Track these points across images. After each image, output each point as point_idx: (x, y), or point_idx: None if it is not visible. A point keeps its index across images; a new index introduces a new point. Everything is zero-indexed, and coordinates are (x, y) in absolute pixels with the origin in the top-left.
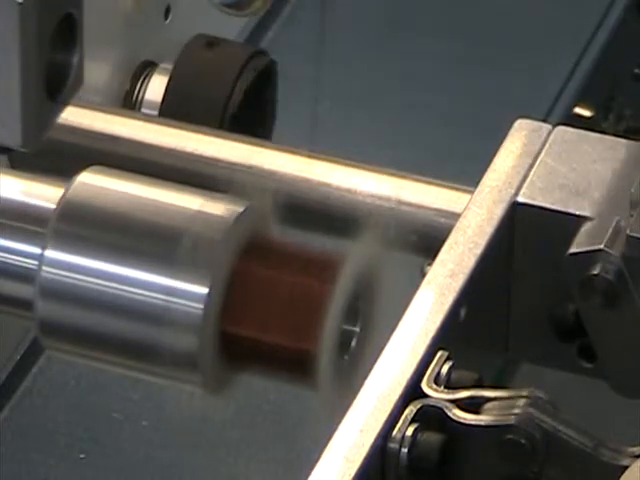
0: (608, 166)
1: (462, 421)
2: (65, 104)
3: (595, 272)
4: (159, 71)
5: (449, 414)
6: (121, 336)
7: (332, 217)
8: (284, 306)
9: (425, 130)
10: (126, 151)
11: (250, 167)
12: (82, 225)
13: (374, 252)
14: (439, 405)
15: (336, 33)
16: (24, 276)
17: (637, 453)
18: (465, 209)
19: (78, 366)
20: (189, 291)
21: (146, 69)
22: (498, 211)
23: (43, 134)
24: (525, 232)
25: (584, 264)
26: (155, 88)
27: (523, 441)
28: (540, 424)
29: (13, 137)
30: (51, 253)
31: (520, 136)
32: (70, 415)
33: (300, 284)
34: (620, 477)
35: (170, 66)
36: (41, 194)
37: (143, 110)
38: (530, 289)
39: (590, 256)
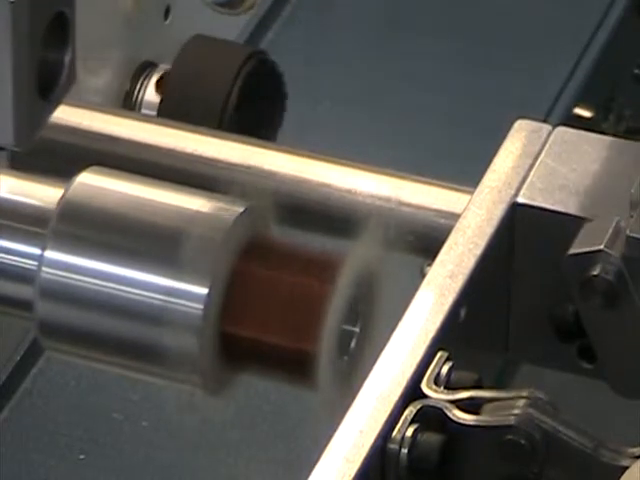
0: (608, 166)
1: (462, 421)
2: (57, 103)
3: (595, 273)
4: (159, 71)
5: (449, 414)
6: (121, 337)
7: (332, 218)
8: (284, 306)
9: (425, 130)
10: (126, 152)
11: (250, 167)
12: (82, 226)
13: (374, 252)
14: (439, 406)
15: (336, 33)
16: (24, 277)
17: (637, 454)
18: (465, 210)
19: (78, 367)
20: (189, 291)
21: (146, 69)
22: (498, 211)
23: (35, 133)
24: (525, 232)
25: (584, 265)
26: (155, 89)
27: (523, 441)
28: (540, 424)
29: (5, 136)
30: (51, 254)
31: (520, 136)
32: (70, 416)
33: (300, 284)
34: (620, 478)
35: (170, 66)
36: (41, 194)
37: (143, 110)
38: (530, 289)
39: (590, 257)
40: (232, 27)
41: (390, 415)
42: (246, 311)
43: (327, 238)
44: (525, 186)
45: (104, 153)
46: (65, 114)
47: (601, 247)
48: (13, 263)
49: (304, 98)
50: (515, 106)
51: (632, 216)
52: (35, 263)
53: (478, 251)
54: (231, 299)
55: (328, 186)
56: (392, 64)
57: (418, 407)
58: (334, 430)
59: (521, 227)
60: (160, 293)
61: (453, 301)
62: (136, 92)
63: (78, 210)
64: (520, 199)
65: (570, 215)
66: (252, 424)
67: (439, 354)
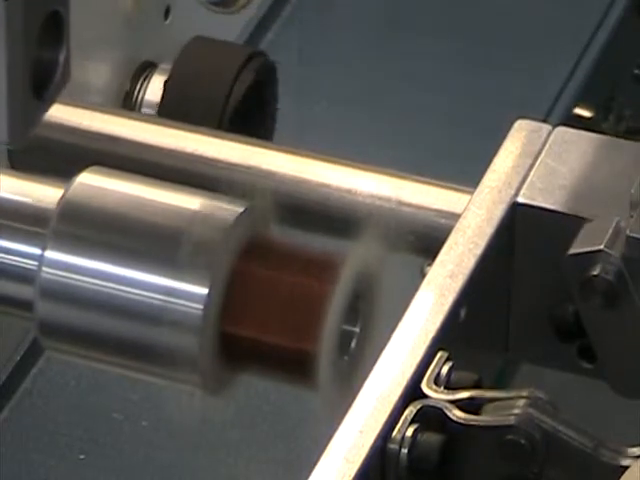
0: (608, 166)
1: (462, 421)
2: (52, 102)
3: (595, 273)
4: (159, 71)
5: (449, 414)
6: (121, 337)
7: (332, 218)
8: (284, 306)
9: (425, 130)
10: (126, 151)
11: (250, 167)
12: (82, 226)
13: (374, 252)
14: (439, 406)
15: (336, 33)
16: (24, 277)
17: (637, 453)
18: (465, 210)
19: (78, 367)
20: (189, 291)
21: (146, 69)
22: (498, 211)
23: (30, 131)
24: (525, 232)
25: (584, 265)
26: (155, 88)
27: (523, 441)
28: (540, 424)
29: None
30: (51, 254)
31: (520, 136)
32: (70, 415)
33: (300, 284)
34: (620, 477)
35: (170, 66)
36: (41, 194)
37: (143, 110)
38: (530, 289)
39: (590, 257)
40: (232, 27)
41: (390, 415)
42: (246, 311)
43: (327, 238)
44: (525, 186)
45: (104, 153)
46: (65, 114)
47: (601, 247)
48: (13, 263)
49: (304, 98)
50: (515, 106)
51: (632, 216)
52: (35, 263)
53: (478, 251)
54: (231, 299)
55: (328, 186)
56: (392, 64)
57: (418, 407)
58: (334, 430)
59: (521, 227)
60: (160, 293)
61: (453, 301)
62: (136, 92)
63: (78, 210)
64: (520, 199)
65: (570, 215)
66: (252, 424)
67: (439, 354)
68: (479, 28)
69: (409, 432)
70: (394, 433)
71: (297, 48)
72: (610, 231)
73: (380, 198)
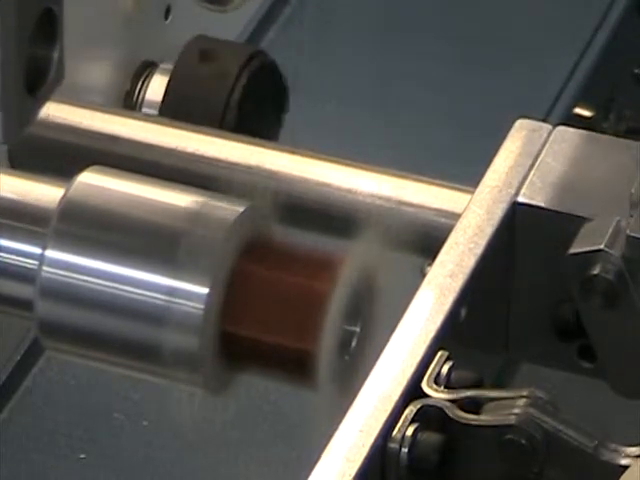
0: (608, 166)
1: (462, 421)
2: (45, 99)
3: (595, 272)
4: (159, 71)
5: (449, 414)
6: (121, 336)
7: (332, 217)
8: (284, 306)
9: (425, 130)
10: (126, 151)
11: (250, 167)
12: (82, 225)
13: (374, 252)
14: (439, 405)
15: (336, 33)
16: (24, 276)
17: (637, 453)
18: (465, 209)
19: (78, 366)
20: (190, 291)
21: (146, 69)
22: (498, 211)
23: (23, 129)
24: (525, 232)
25: (584, 264)
26: (155, 88)
27: (523, 441)
28: (540, 424)
29: None
30: (51, 253)
31: (520, 136)
32: (70, 415)
33: (300, 284)
34: (620, 477)
35: (170, 66)
36: (41, 194)
37: (143, 110)
38: (530, 289)
39: (590, 256)
40: (233, 27)
41: (390, 414)
42: (246, 311)
43: (327, 238)
44: (525, 186)
45: (105, 153)
46: (65, 114)
47: (601, 247)
48: (14, 262)
49: (304, 98)
50: (515, 106)
51: (632, 215)
52: (36, 262)
53: (478, 251)
54: (231, 299)
55: (328, 186)
56: (392, 64)
57: (418, 406)
58: (334, 430)
59: (521, 227)
60: (161, 293)
61: (453, 301)
62: (136, 92)
63: (79, 209)
64: (520, 199)
65: (570, 215)
66: (252, 424)
67: (439, 354)
68: (479, 28)
69: (409, 431)
70: (394, 432)
71: (297, 48)
72: (610, 231)
73: (380, 198)
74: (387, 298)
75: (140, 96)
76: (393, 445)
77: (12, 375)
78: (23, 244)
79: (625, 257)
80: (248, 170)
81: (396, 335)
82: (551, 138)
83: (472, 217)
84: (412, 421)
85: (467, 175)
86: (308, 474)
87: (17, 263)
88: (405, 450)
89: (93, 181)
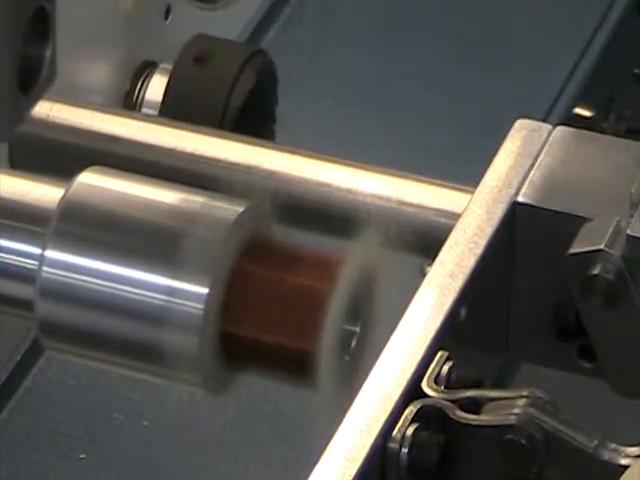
0: (608, 166)
1: (462, 421)
2: (38, 98)
3: (595, 272)
4: (159, 71)
5: (449, 414)
6: (121, 336)
7: (332, 217)
8: (284, 306)
9: (425, 130)
10: (126, 151)
11: (250, 167)
12: (82, 225)
13: (374, 252)
14: (439, 405)
15: (336, 33)
16: (24, 276)
17: (637, 453)
18: (465, 209)
19: (78, 366)
20: (189, 291)
21: (146, 69)
22: (498, 211)
23: (14, 127)
24: (525, 232)
25: (584, 264)
26: (155, 88)
27: (523, 441)
28: (540, 424)
29: None
30: (51, 253)
31: (520, 136)
32: (70, 415)
33: (300, 284)
34: (620, 477)
35: (170, 66)
36: (41, 194)
37: (143, 110)
38: (530, 289)
39: (590, 256)
40: (233, 27)
41: (390, 414)
42: (246, 311)
43: (327, 238)
44: (525, 186)
45: (104, 153)
46: (65, 114)
47: (601, 246)
48: (14, 262)
49: (304, 98)
50: (515, 106)
51: (632, 215)
52: (36, 263)
53: (478, 250)
54: (231, 299)
55: (328, 186)
56: (392, 64)
57: (418, 406)
58: (334, 430)
59: (521, 227)
60: (160, 293)
61: (453, 301)
62: (136, 92)
63: (79, 210)
64: (520, 199)
65: (570, 215)
66: (252, 424)
67: (439, 354)
68: (479, 28)
69: (409, 431)
70: (394, 432)
71: (297, 48)
72: (610, 230)
73: (380, 198)
74: (387, 298)
75: (140, 96)
76: (393, 445)
77: (12, 375)
78: (23, 244)
79: (625, 257)
80: (248, 170)
81: (396, 335)
82: (551, 138)
83: (472, 217)
84: (412, 421)
85: (467, 175)
86: (308, 474)
87: (17, 263)
88: (405, 450)
89: (93, 181)
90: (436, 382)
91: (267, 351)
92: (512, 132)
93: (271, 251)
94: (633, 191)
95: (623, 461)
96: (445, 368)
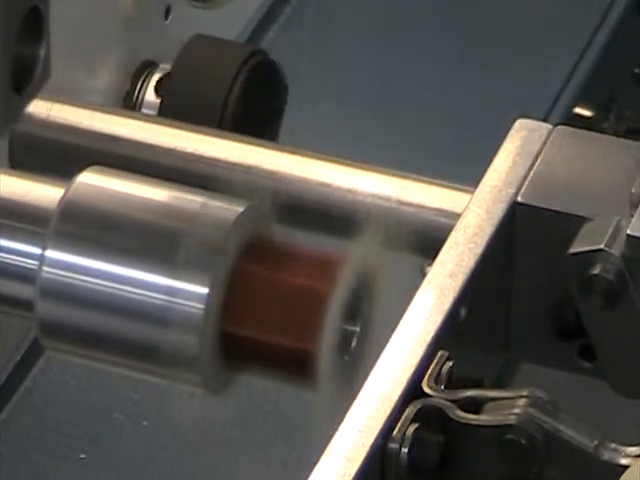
0: (608, 166)
1: (462, 421)
2: (32, 97)
3: (595, 272)
4: (159, 71)
5: (449, 414)
6: (121, 336)
7: (332, 217)
8: (284, 306)
9: (425, 130)
10: (126, 151)
11: (250, 167)
12: (82, 225)
13: (374, 252)
14: (439, 405)
15: (336, 33)
16: (24, 276)
17: (637, 453)
18: (465, 209)
19: (78, 366)
20: (189, 291)
21: (146, 69)
22: (498, 211)
23: (8, 126)
24: (525, 232)
25: (584, 264)
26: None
27: (523, 441)
28: (540, 424)
29: None
30: (51, 253)
31: (520, 136)
32: (70, 415)
33: (300, 284)
34: (620, 477)
35: (170, 66)
36: (41, 194)
37: (143, 110)
38: (530, 289)
39: (590, 256)
40: (233, 27)
41: (390, 414)
42: (246, 311)
43: (327, 238)
44: (525, 186)
45: (104, 153)
46: (65, 114)
47: (601, 246)
48: (14, 262)
49: (304, 98)
50: (515, 106)
51: (632, 215)
52: (36, 263)
53: (478, 250)
54: (231, 299)
55: (328, 186)
56: (392, 64)
57: (418, 406)
58: (334, 430)
59: (521, 227)
60: (161, 293)
61: (453, 301)
62: (136, 92)
63: (79, 210)
64: (520, 198)
65: (570, 215)
66: (252, 424)
67: (439, 353)
68: (479, 28)
69: (409, 431)
70: (394, 432)
71: (297, 48)
72: (610, 230)
73: (380, 197)
74: (387, 298)
75: (140, 96)
76: (393, 445)
77: (12, 375)
78: (23, 244)
79: (625, 257)
80: (248, 170)
81: (396, 335)
82: (551, 138)
83: (472, 217)
84: (412, 421)
85: (467, 175)
86: (308, 474)
87: (17, 263)
88: (405, 450)
89: (93, 181)
90: (436, 382)
91: (267, 351)
92: (512, 132)
93: (271, 251)
94: (633, 191)
95: (623, 461)
96: (445, 368)
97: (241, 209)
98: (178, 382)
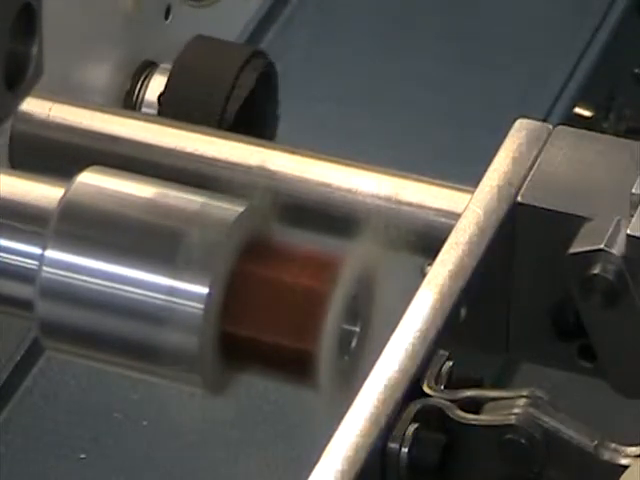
0: (608, 166)
1: (462, 421)
2: (25, 95)
3: (595, 272)
4: (159, 71)
5: (449, 414)
6: (121, 336)
7: (332, 217)
8: (284, 306)
9: (425, 130)
10: (126, 151)
11: (250, 167)
12: (82, 225)
13: (374, 252)
14: (439, 405)
15: (336, 33)
16: (24, 276)
17: (637, 453)
18: (465, 209)
19: (78, 366)
20: (189, 291)
21: (146, 69)
22: (498, 211)
23: (1, 123)
24: (525, 232)
25: (584, 264)
26: (155, 88)
27: (523, 441)
28: (540, 424)
29: None
30: (51, 253)
31: (520, 136)
32: (70, 415)
33: (300, 284)
34: (620, 477)
35: (170, 66)
36: (41, 194)
37: (143, 110)
38: (530, 289)
39: (590, 256)
40: (233, 27)
41: (390, 414)
42: (246, 311)
43: (327, 238)
44: (525, 186)
45: (104, 153)
46: (65, 114)
47: (601, 246)
48: (14, 262)
49: (304, 98)
50: (515, 106)
51: (632, 215)
52: (36, 262)
53: (478, 250)
54: (231, 299)
55: (328, 186)
56: (392, 64)
57: (419, 406)
58: (334, 430)
59: (521, 227)
60: (160, 292)
61: (453, 300)
62: (136, 92)
63: (79, 210)
64: (520, 199)
65: (570, 215)
66: (252, 424)
67: (439, 353)
68: (479, 28)
69: (409, 431)
70: (394, 432)
71: (297, 48)
72: (610, 230)
73: (380, 197)
74: (387, 298)
75: (140, 96)
76: (393, 445)
77: (12, 375)
78: (23, 244)
79: (625, 257)
80: (248, 170)
81: (396, 335)
82: (551, 138)
83: (472, 217)
84: (412, 421)
85: (467, 175)
86: (308, 474)
87: (17, 263)
88: (405, 450)
89: (93, 181)
90: (436, 382)
91: (267, 351)
92: (512, 132)
93: (271, 251)
94: (633, 191)
95: (623, 461)
96: (445, 368)
97: (241, 209)
98: (178, 382)
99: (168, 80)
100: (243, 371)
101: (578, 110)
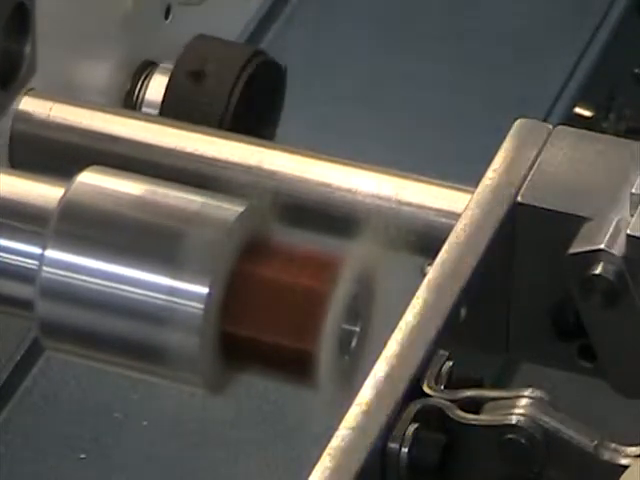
0: (608, 166)
1: (462, 421)
2: (18, 93)
3: (595, 272)
4: (159, 71)
5: (449, 414)
6: (121, 336)
7: (332, 217)
8: (284, 306)
9: (425, 130)
10: (126, 151)
11: (250, 167)
12: (82, 225)
13: (374, 252)
14: (439, 405)
15: (336, 33)
16: (24, 276)
17: (637, 453)
18: (465, 209)
19: (78, 366)
20: (189, 291)
21: (146, 69)
22: (498, 211)
23: None
24: (525, 232)
25: (584, 264)
26: (155, 88)
27: (523, 441)
28: (540, 424)
29: None
30: (51, 253)
31: (520, 136)
32: (70, 415)
33: (300, 284)
34: (620, 477)
35: (170, 66)
36: (41, 194)
37: (144, 110)
38: (530, 289)
39: (590, 256)
40: (233, 27)
41: (390, 414)
42: (246, 311)
43: (327, 238)
44: (525, 186)
45: (104, 153)
46: (65, 114)
47: (601, 246)
48: (14, 262)
49: (304, 98)
50: (515, 106)
51: (632, 215)
52: (36, 262)
53: (478, 251)
54: (231, 299)
55: (328, 186)
56: (392, 64)
57: (419, 406)
58: (334, 430)
59: (521, 227)
60: (161, 292)
61: (453, 300)
62: (136, 91)
63: (79, 209)
64: (520, 199)
65: (570, 215)
66: (252, 424)
67: (439, 353)
68: (479, 28)
69: (409, 431)
70: (394, 432)
71: (297, 48)
72: (610, 230)
73: (380, 197)
74: (387, 298)
75: (140, 96)
76: (393, 445)
77: (12, 375)
78: (23, 244)
79: (625, 257)
80: (248, 170)
81: (396, 335)
82: (551, 138)
83: (472, 217)
84: (412, 421)
85: (467, 175)
86: (308, 474)
87: (17, 263)
88: (405, 450)
89: (93, 181)
90: (436, 382)
91: (267, 351)
92: (512, 132)
93: (271, 251)
94: (633, 191)
95: (623, 461)
96: (445, 368)
97: (241, 209)
98: (178, 382)
99: (169, 80)
100: (243, 371)
101: (578, 110)
